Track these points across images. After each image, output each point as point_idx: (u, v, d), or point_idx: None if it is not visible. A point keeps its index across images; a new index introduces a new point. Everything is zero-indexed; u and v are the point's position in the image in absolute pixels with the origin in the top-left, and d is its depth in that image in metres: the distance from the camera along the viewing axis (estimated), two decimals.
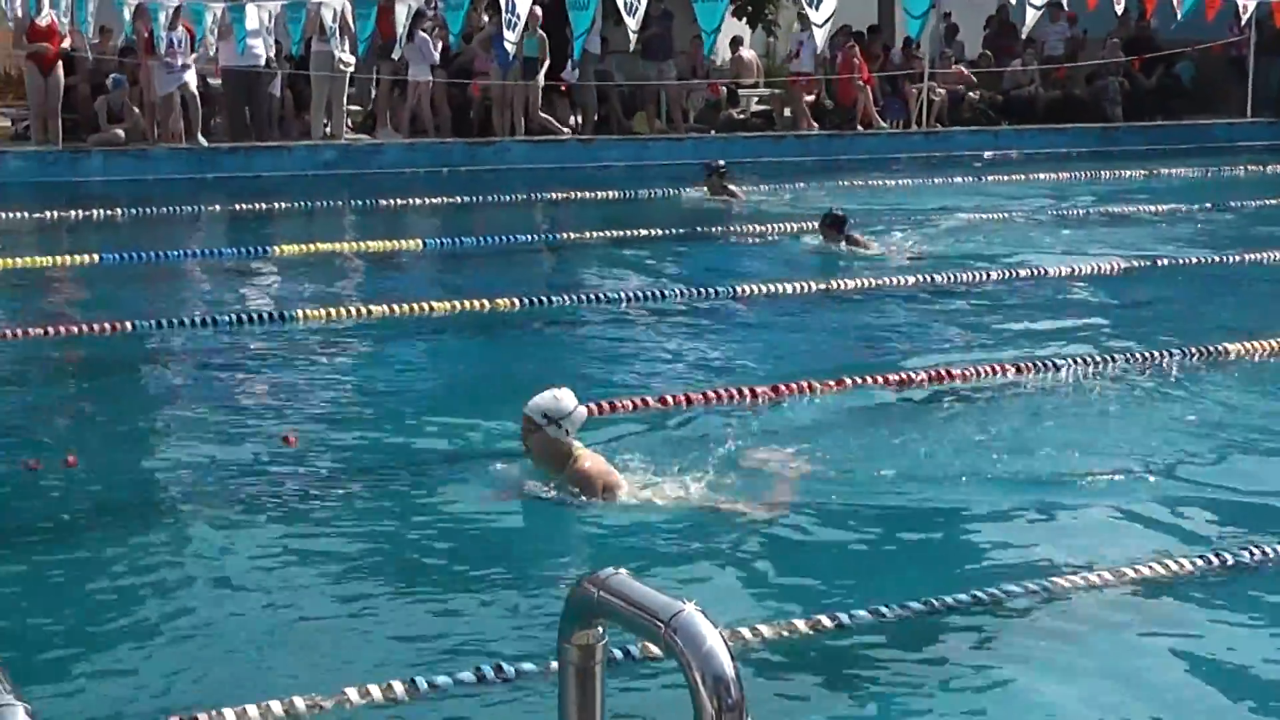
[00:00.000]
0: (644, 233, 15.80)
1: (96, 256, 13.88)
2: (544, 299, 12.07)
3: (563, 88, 23.51)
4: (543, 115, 22.78)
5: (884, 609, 5.79)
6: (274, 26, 20.47)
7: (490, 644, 5.57)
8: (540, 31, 21.54)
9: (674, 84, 24.22)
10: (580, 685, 2.79)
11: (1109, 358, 10.09)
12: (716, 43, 21.32)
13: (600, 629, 2.78)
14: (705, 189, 18.15)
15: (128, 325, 11.01)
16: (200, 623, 5.84)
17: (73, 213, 17.06)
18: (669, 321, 11.84)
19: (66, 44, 20.37)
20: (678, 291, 12.65)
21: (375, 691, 5.05)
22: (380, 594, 6.13)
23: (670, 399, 8.88)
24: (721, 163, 18.35)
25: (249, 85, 21.10)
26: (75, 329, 10.98)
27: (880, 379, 9.48)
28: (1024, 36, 22.93)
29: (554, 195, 18.84)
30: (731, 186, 18.02)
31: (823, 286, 12.73)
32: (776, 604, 6.05)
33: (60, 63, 19.99)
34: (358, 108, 23.13)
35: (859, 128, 24.75)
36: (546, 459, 7.08)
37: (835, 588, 6.27)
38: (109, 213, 17.07)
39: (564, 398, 7.04)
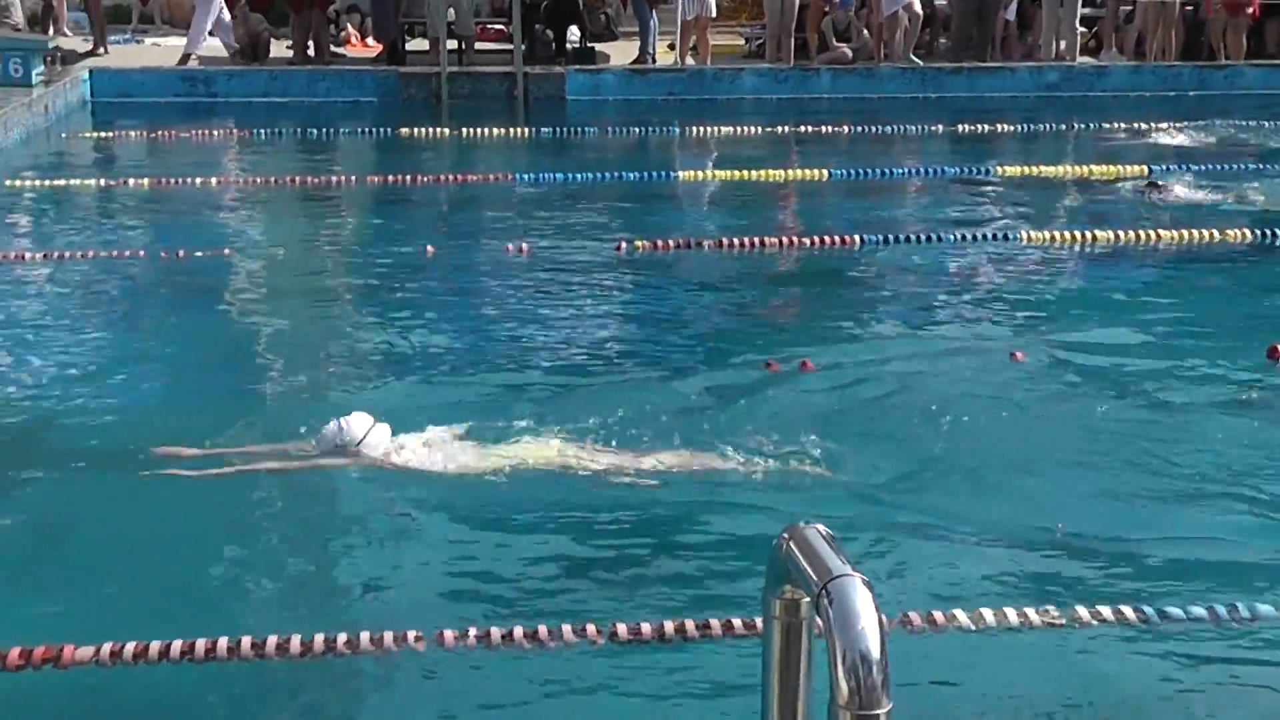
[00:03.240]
0: None
1: (825, 172, 14.33)
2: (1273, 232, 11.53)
3: None
4: None
5: None
6: None
7: None
8: None
9: None
10: None
11: None
12: None
13: None
14: None
15: (856, 239, 11.36)
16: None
17: (802, 128, 17.66)
18: None
19: None
20: None
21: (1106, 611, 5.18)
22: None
23: None
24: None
25: (981, 7, 21.13)
26: (806, 241, 11.40)
27: None
28: None
29: None
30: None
31: None
32: None
33: None
34: (1083, 29, 22.70)
35: None
36: None
37: None
38: (836, 129, 17.55)
39: (353, 425, 6.61)
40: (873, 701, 2.22)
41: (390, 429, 6.69)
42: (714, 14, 21.02)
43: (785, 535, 2.47)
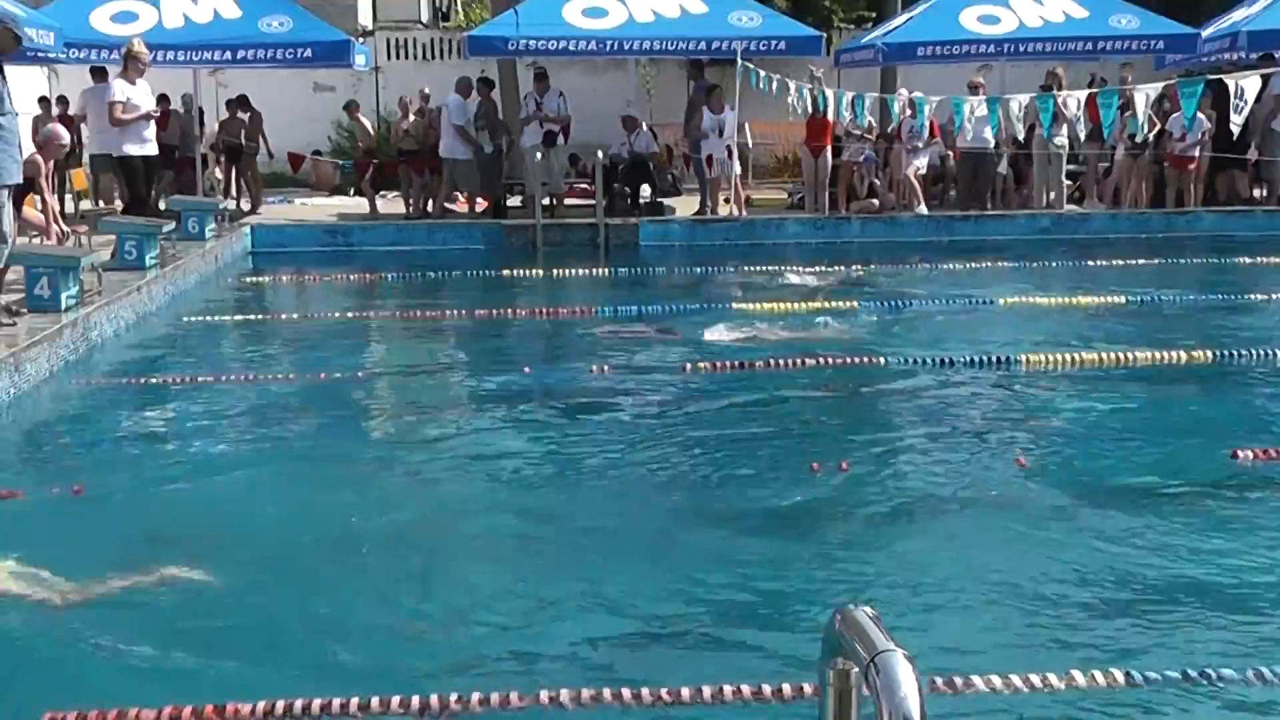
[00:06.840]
0: None
1: (856, 303, 14.28)
2: (1234, 352, 11.38)
3: (1252, 161, 21.92)
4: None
5: None
6: (1008, 116, 20.29)
7: None
8: None
9: None
10: None
11: None
12: None
13: None
14: None
15: (881, 359, 11.36)
16: None
17: (836, 267, 17.63)
18: None
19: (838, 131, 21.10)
20: None
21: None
22: None
23: None
24: None
25: (977, 165, 21.19)
26: (840, 360, 11.39)
27: None
28: None
29: (1242, 260, 17.78)
30: None
31: None
32: None
33: (829, 147, 20.79)
34: (1069, 181, 22.67)
35: None
36: None
37: None
38: (863, 269, 17.52)
39: None
40: None
41: None
42: (739, 171, 21.18)
43: (838, 615, 2.45)
